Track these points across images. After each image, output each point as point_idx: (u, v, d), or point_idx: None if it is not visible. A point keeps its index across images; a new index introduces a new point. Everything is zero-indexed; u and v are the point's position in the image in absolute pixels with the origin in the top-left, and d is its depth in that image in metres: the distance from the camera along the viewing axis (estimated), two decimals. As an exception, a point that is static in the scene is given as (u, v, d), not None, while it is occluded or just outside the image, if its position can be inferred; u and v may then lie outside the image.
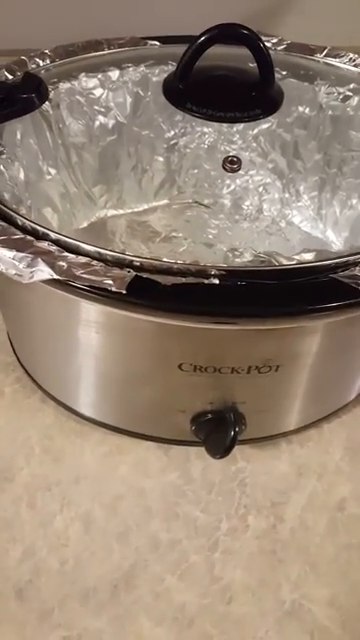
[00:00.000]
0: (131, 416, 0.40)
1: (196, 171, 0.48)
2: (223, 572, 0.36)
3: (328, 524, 0.38)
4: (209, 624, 0.34)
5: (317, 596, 0.36)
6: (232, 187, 0.49)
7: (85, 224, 0.47)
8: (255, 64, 0.37)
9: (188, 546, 0.37)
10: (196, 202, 0.50)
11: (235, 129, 0.46)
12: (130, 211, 0.49)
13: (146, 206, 0.49)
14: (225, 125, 0.46)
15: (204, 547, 0.37)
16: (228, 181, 0.49)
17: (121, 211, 0.49)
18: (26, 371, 0.45)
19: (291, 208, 0.49)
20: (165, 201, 0.49)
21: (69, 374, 0.39)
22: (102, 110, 0.44)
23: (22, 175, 0.39)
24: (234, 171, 0.42)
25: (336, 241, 0.47)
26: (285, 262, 0.36)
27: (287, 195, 0.49)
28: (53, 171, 0.43)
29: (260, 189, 0.49)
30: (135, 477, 0.40)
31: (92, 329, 0.32)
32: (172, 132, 0.46)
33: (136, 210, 0.49)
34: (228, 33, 0.33)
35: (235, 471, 0.41)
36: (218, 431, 0.36)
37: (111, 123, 0.44)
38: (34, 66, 0.41)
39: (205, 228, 0.48)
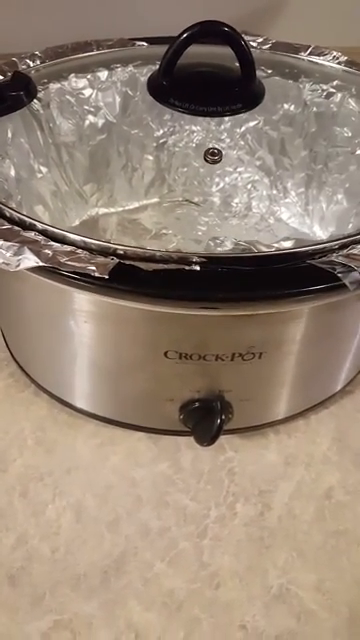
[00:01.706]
0: (121, 406, 0.41)
1: (185, 169, 0.50)
2: (211, 558, 0.37)
3: (315, 512, 0.39)
4: (198, 608, 0.35)
5: (304, 581, 0.36)
6: (221, 185, 0.50)
7: (77, 222, 0.48)
8: (237, 62, 0.38)
9: (177, 533, 0.38)
10: (186, 200, 0.51)
11: (223, 127, 0.47)
12: (121, 209, 0.50)
13: (137, 204, 0.50)
14: (213, 123, 0.47)
15: (193, 534, 0.38)
16: (217, 179, 0.50)
17: (112, 209, 0.50)
18: (19, 366, 0.46)
19: (279, 205, 0.50)
20: (155, 199, 0.51)
21: (61, 366, 0.40)
22: (92, 110, 0.45)
23: (13, 172, 0.41)
24: (215, 162, 0.43)
25: (323, 236, 0.48)
26: (265, 249, 0.37)
27: (275, 192, 0.50)
28: (44, 169, 0.44)
29: (249, 186, 0.50)
30: (126, 467, 0.41)
31: (81, 319, 0.33)
32: (161, 131, 0.48)
33: (127, 208, 0.50)
34: (209, 30, 0.34)
35: (224, 460, 0.41)
36: (205, 419, 0.37)
37: (101, 122, 0.46)
38: (24, 67, 0.42)
39: (195, 225, 0.49)
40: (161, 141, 0.48)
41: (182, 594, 0.35)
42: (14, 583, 0.36)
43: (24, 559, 0.36)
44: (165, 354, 0.33)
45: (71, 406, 0.43)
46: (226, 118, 0.46)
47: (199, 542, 0.37)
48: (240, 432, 0.42)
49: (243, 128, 0.47)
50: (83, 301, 0.32)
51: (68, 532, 0.38)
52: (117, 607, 0.35)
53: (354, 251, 0.29)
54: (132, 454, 0.41)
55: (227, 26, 0.34)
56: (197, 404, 0.37)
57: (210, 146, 0.44)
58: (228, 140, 0.48)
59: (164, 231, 0.49)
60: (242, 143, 0.48)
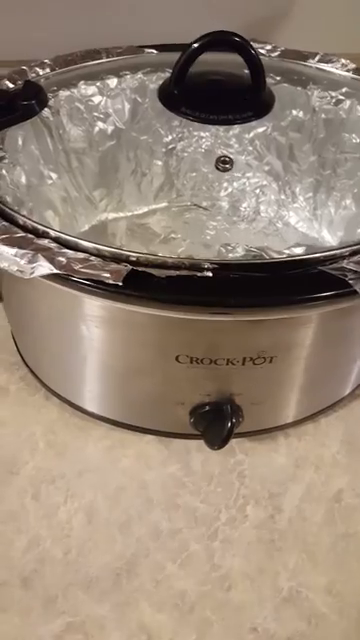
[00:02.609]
0: (132, 410, 0.41)
1: (194, 174, 0.50)
2: (222, 560, 0.37)
3: (325, 514, 0.39)
4: (209, 610, 0.35)
5: (314, 584, 0.36)
6: (229, 190, 0.51)
7: (86, 227, 0.49)
8: (247, 70, 0.38)
9: (188, 535, 0.38)
10: (194, 204, 0.51)
11: (231, 133, 0.48)
12: (130, 214, 0.50)
13: (146, 209, 0.51)
14: (222, 129, 0.47)
15: (204, 536, 0.38)
16: (225, 184, 0.50)
17: (121, 214, 0.50)
18: (30, 370, 0.46)
19: (287, 209, 0.50)
20: (164, 204, 0.51)
21: (71, 370, 0.40)
22: (101, 116, 0.45)
23: (24, 179, 0.41)
24: (226, 170, 0.43)
25: (331, 240, 0.48)
26: (276, 256, 0.37)
27: (283, 197, 0.50)
28: (54, 175, 0.45)
29: (257, 191, 0.50)
30: (137, 469, 0.41)
31: (92, 324, 0.34)
32: (170, 137, 0.48)
33: (136, 213, 0.51)
34: (220, 40, 0.35)
35: (234, 463, 0.42)
36: (216, 423, 0.37)
37: (110, 129, 0.46)
38: (34, 75, 0.43)
39: (203, 229, 0.50)
40: (170, 147, 0.48)
41: (193, 596, 0.36)
42: (27, 585, 0.36)
43: (36, 561, 0.37)
44: (176, 358, 0.34)
45: (82, 409, 0.43)
46: (235, 124, 0.47)
47: (210, 544, 0.38)
48: (250, 435, 0.42)
49: (252, 134, 0.48)
50: (95, 307, 0.32)
51: (80, 534, 0.38)
52: (129, 609, 0.35)
53: (365, 257, 0.30)
54: (143, 457, 0.42)
55: (237, 36, 0.35)
56: (208, 408, 0.37)
57: (221, 153, 0.45)
58: (237, 146, 0.48)
59: (173, 235, 0.49)
60: (250, 149, 0.48)
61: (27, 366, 0.46)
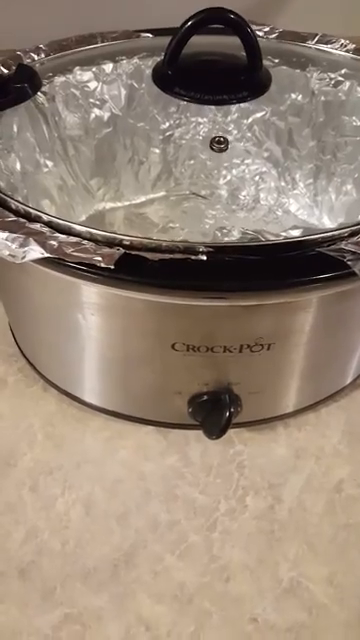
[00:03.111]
0: (130, 400, 0.40)
1: (192, 162, 0.49)
2: (222, 551, 0.37)
3: (326, 505, 0.39)
4: (208, 602, 0.35)
5: (315, 574, 0.36)
6: (228, 177, 0.50)
7: (84, 217, 0.48)
8: (243, 52, 0.37)
9: (187, 526, 0.38)
10: (193, 193, 0.50)
11: (229, 118, 0.47)
12: (128, 203, 0.50)
13: (143, 198, 0.50)
14: (219, 115, 0.47)
15: (203, 527, 0.37)
16: (224, 171, 0.50)
17: (119, 203, 0.50)
18: (28, 361, 0.46)
19: (287, 196, 0.49)
20: (162, 193, 0.50)
21: (69, 360, 0.40)
22: (97, 103, 0.45)
23: (19, 167, 0.40)
24: (222, 151, 0.42)
25: (332, 227, 0.47)
26: (272, 239, 0.37)
27: (283, 183, 0.49)
28: (50, 163, 0.44)
29: (256, 178, 0.49)
30: (135, 461, 0.41)
31: (88, 311, 0.33)
32: (167, 123, 0.47)
33: (134, 202, 0.50)
34: (215, 17, 0.34)
35: (233, 454, 0.41)
36: (214, 412, 0.36)
37: (106, 115, 0.45)
38: (29, 60, 0.42)
39: (202, 218, 0.49)
40: (167, 134, 0.48)
41: (192, 587, 0.35)
42: (24, 577, 0.36)
43: (34, 553, 0.37)
44: (173, 346, 0.33)
45: (80, 400, 0.43)
46: (233, 109, 0.46)
47: (209, 535, 0.37)
48: (249, 425, 0.41)
49: (250, 119, 0.47)
50: (90, 293, 0.32)
51: (78, 526, 0.38)
52: (127, 600, 0.35)
53: (364, 239, 0.29)
54: (141, 448, 0.41)
55: (233, 13, 0.34)
56: (205, 397, 0.37)
57: (215, 135, 0.44)
58: (235, 132, 0.47)
59: (171, 225, 0.49)
60: (249, 135, 0.48)
61: (25, 357, 0.46)
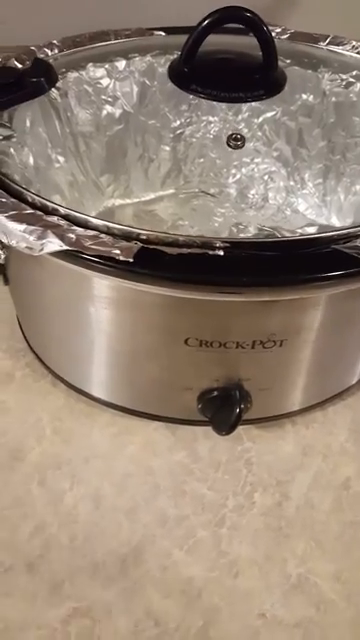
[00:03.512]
0: (140, 395, 0.41)
1: (202, 160, 0.49)
2: (230, 547, 0.37)
3: (333, 502, 0.39)
4: (217, 597, 0.35)
5: (322, 570, 0.36)
6: (238, 176, 0.50)
7: (93, 214, 0.48)
8: (258, 51, 0.38)
9: (195, 522, 0.38)
10: (202, 191, 0.50)
11: (240, 117, 0.47)
12: (137, 200, 0.50)
13: (153, 195, 0.50)
14: (230, 113, 0.47)
15: (211, 523, 0.38)
16: (234, 170, 0.50)
17: (128, 200, 0.50)
18: (37, 356, 0.46)
19: (296, 196, 0.49)
20: (172, 190, 0.50)
21: (79, 354, 0.40)
22: (109, 100, 0.45)
23: (32, 161, 0.41)
24: (238, 147, 0.43)
25: (347, 225, 0.47)
26: (289, 235, 0.37)
27: (292, 183, 0.49)
28: (61, 159, 0.44)
29: (265, 177, 0.50)
30: (143, 456, 0.41)
31: (101, 305, 0.33)
32: (178, 122, 0.47)
33: (143, 199, 0.50)
34: (231, 15, 0.34)
35: (241, 451, 0.41)
36: (224, 409, 0.37)
37: (118, 112, 0.46)
38: (42, 56, 0.43)
39: (211, 216, 0.49)
40: (178, 132, 0.48)
41: (201, 582, 0.35)
42: (33, 571, 0.36)
43: (42, 547, 0.37)
44: (185, 341, 0.33)
45: (88, 395, 0.43)
46: (244, 108, 0.46)
47: (217, 531, 0.37)
48: (258, 423, 0.41)
49: (261, 119, 0.47)
50: (104, 287, 0.32)
51: (86, 520, 0.38)
52: (136, 595, 0.35)
53: (379, 237, 0.29)
54: (149, 443, 0.41)
55: (249, 11, 0.34)
56: (216, 393, 0.37)
57: (232, 131, 0.44)
58: (245, 131, 0.48)
59: (180, 222, 0.49)
60: (259, 134, 0.48)
61: (33, 352, 0.46)
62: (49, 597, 0.35)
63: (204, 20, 0.34)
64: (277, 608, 0.34)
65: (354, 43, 0.45)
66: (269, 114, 0.47)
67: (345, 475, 0.40)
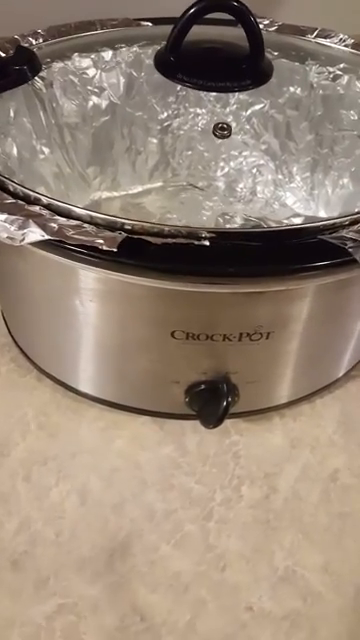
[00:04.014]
0: (127, 390, 0.40)
1: (190, 153, 0.49)
2: (217, 540, 0.37)
3: (321, 494, 0.39)
4: (204, 590, 0.35)
5: (310, 563, 0.36)
6: (226, 169, 0.50)
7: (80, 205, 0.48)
8: (245, 42, 0.37)
9: (183, 516, 0.37)
10: (190, 185, 0.50)
11: (228, 110, 0.47)
12: (124, 193, 0.49)
13: (140, 188, 0.50)
14: (218, 106, 0.46)
15: (199, 517, 0.37)
16: (222, 163, 0.50)
17: (115, 193, 0.49)
18: (22, 350, 0.45)
19: (284, 189, 0.49)
20: (159, 183, 0.50)
21: (65, 348, 0.39)
22: (95, 90, 0.44)
23: (15, 152, 0.40)
24: (224, 137, 0.42)
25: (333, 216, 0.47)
26: (275, 225, 0.37)
27: (280, 176, 0.49)
28: (47, 150, 0.43)
29: (254, 171, 0.49)
30: (131, 450, 0.40)
31: (87, 297, 0.33)
32: (165, 114, 0.47)
33: (130, 192, 0.49)
34: (219, 4, 0.34)
35: (229, 444, 0.41)
36: (211, 402, 0.36)
37: (104, 104, 0.45)
38: (27, 45, 0.42)
39: (199, 210, 0.49)
40: (165, 124, 0.47)
41: (188, 576, 0.35)
42: (18, 567, 0.35)
43: (27, 543, 0.36)
44: (172, 334, 0.33)
45: (75, 390, 0.42)
46: (232, 101, 0.46)
47: (205, 524, 0.37)
48: (245, 416, 0.41)
49: (249, 111, 0.47)
50: (89, 278, 0.31)
51: (72, 516, 0.37)
52: (122, 590, 0.35)
53: (365, 227, 0.29)
54: (137, 438, 0.41)
55: (236, 0, 0.34)
56: (203, 386, 0.36)
57: (218, 120, 0.44)
58: (234, 124, 0.47)
59: (168, 215, 0.48)
60: (247, 127, 0.48)
61: (18, 347, 0.45)
62: (34, 594, 0.34)
63: (191, 8, 0.34)
64: (265, 601, 0.34)
65: (341, 36, 0.45)
66: (257, 107, 0.46)
67: (333, 467, 0.40)
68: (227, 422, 0.41)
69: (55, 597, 0.34)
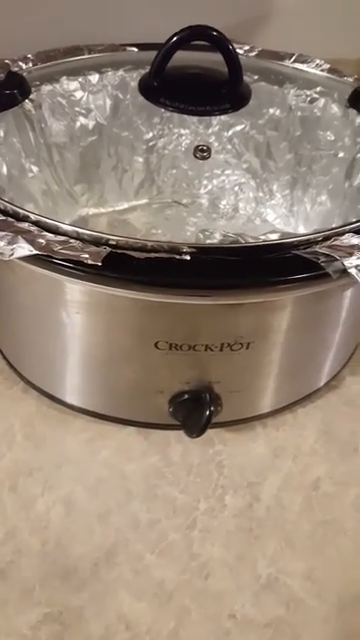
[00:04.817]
0: (112, 400, 0.41)
1: (174, 171, 0.51)
2: (201, 549, 0.37)
3: (303, 502, 0.40)
4: (188, 599, 0.35)
5: (293, 570, 0.37)
6: (209, 187, 0.51)
7: (67, 222, 0.49)
8: (225, 67, 0.39)
9: (167, 525, 0.38)
10: (175, 201, 0.52)
11: (211, 130, 0.49)
12: (111, 209, 0.51)
13: (127, 205, 0.51)
14: (201, 127, 0.48)
15: (183, 526, 0.38)
16: (205, 181, 0.51)
17: (102, 209, 0.51)
18: (8, 362, 0.46)
19: (265, 206, 0.51)
20: (145, 200, 0.52)
21: (51, 360, 0.40)
22: (83, 112, 0.46)
23: (5, 170, 0.41)
24: (204, 159, 0.44)
25: (308, 232, 0.49)
26: (252, 241, 0.38)
27: (261, 194, 0.51)
28: (35, 169, 0.45)
29: (236, 188, 0.51)
30: (116, 461, 0.41)
31: (73, 309, 0.34)
32: (150, 134, 0.49)
33: (117, 209, 0.51)
34: (198, 33, 0.36)
35: (213, 454, 0.42)
36: (195, 411, 0.37)
37: (91, 124, 0.47)
38: (17, 69, 0.43)
39: (184, 225, 0.50)
40: (150, 144, 0.49)
41: (172, 585, 0.36)
42: (3, 577, 0.35)
43: (13, 553, 0.36)
44: (155, 345, 0.34)
45: (61, 402, 0.43)
46: (214, 122, 0.48)
47: (189, 533, 0.38)
48: (229, 425, 0.42)
49: (230, 132, 0.49)
50: (75, 291, 0.32)
51: (58, 525, 0.38)
52: (107, 599, 0.35)
53: (336, 242, 0.31)
54: (122, 448, 0.42)
55: (215, 30, 0.36)
56: (186, 396, 0.37)
57: (198, 143, 0.45)
58: (216, 144, 0.49)
59: (153, 231, 0.50)
60: (229, 147, 0.49)
61: (5, 359, 0.46)
62: (19, 603, 0.34)
63: (172, 37, 0.36)
64: (247, 608, 0.35)
65: (318, 61, 0.48)
66: (238, 127, 0.48)
67: (315, 475, 0.41)
68: (211, 432, 0.42)
69: (40, 606, 0.34)
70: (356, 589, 0.36)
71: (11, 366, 0.45)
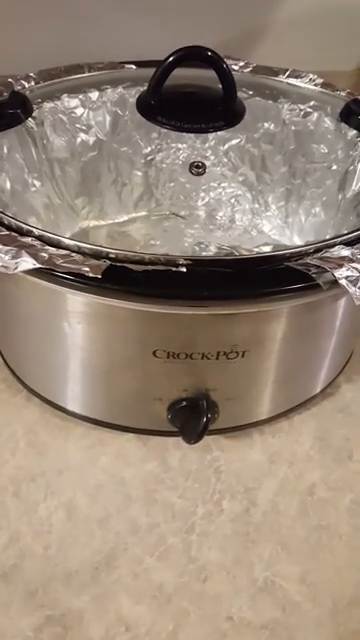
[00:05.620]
0: (112, 408, 0.42)
1: (172, 184, 0.52)
2: (199, 553, 0.38)
3: (299, 507, 0.41)
4: (186, 601, 0.36)
5: (288, 573, 0.37)
6: (206, 199, 0.53)
7: (68, 234, 0.50)
8: (220, 85, 0.41)
9: (166, 529, 0.39)
10: (173, 213, 0.53)
11: (207, 145, 0.50)
12: (111, 222, 0.52)
13: (126, 217, 0.53)
14: (198, 141, 0.50)
15: (181, 530, 0.39)
16: (202, 194, 0.53)
17: (102, 222, 0.52)
18: (12, 371, 0.47)
19: (261, 218, 0.52)
20: (144, 213, 0.53)
21: (53, 369, 0.41)
22: (83, 128, 0.48)
23: (8, 185, 0.43)
24: (200, 174, 0.46)
25: (299, 244, 0.50)
26: (246, 253, 0.39)
27: (257, 206, 0.52)
28: (38, 183, 0.46)
29: (232, 200, 0.53)
30: (116, 467, 0.42)
31: (74, 320, 0.35)
32: (149, 148, 0.50)
33: (117, 221, 0.52)
34: (193, 53, 0.37)
35: (210, 460, 0.43)
36: (192, 418, 0.38)
37: (92, 140, 0.48)
38: (20, 87, 0.45)
39: (182, 237, 0.52)
40: (149, 158, 0.51)
41: (171, 588, 0.36)
42: (7, 580, 0.36)
43: (16, 557, 0.37)
44: (154, 353, 0.35)
45: (62, 409, 0.44)
46: (210, 136, 0.49)
47: (187, 537, 0.39)
48: (226, 432, 0.43)
49: (226, 146, 0.50)
50: (77, 302, 0.34)
51: (60, 530, 0.39)
52: (108, 601, 0.36)
53: (327, 254, 0.32)
54: (122, 454, 0.43)
55: (210, 50, 0.38)
56: (184, 403, 0.38)
57: (194, 160, 0.47)
58: (212, 157, 0.51)
59: (152, 242, 0.51)
60: (225, 160, 0.51)
61: (9, 368, 0.47)
62: (23, 606, 0.35)
63: (168, 58, 0.37)
64: (244, 611, 0.36)
65: (311, 76, 0.49)
66: (234, 141, 0.50)
67: (310, 481, 0.42)
68: (208, 439, 0.43)
69: (43, 609, 0.35)
70: (350, 593, 0.37)
71: (15, 375, 0.46)
